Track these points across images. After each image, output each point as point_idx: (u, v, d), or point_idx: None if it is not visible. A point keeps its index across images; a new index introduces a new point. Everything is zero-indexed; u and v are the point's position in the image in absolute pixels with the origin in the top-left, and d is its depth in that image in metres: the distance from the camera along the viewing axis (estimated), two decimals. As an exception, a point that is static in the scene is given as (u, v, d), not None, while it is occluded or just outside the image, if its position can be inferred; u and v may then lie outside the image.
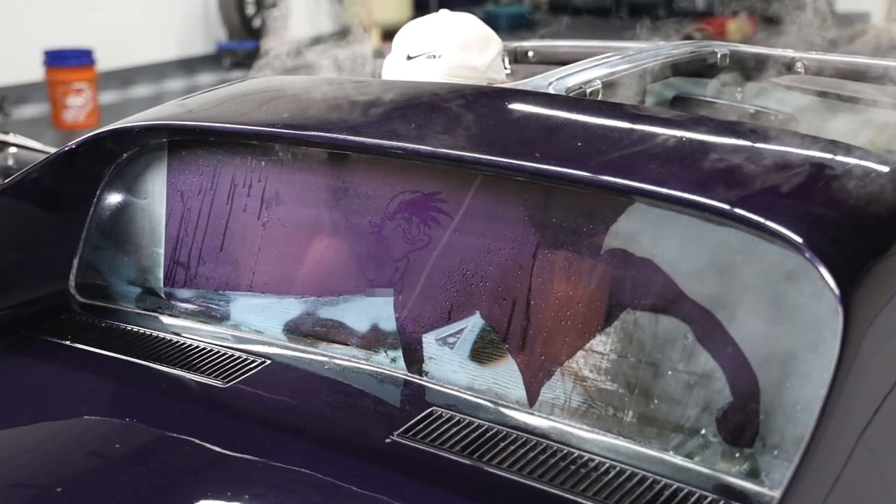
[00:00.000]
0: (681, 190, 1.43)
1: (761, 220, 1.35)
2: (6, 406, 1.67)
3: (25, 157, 3.09)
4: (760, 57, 2.65)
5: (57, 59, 7.83)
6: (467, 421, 1.52)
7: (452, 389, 1.60)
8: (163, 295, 1.89)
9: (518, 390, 1.56)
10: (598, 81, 2.09)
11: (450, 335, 1.62)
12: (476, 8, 13.55)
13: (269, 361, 1.71)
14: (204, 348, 1.76)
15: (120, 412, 1.65)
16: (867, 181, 1.56)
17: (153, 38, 9.76)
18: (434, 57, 2.17)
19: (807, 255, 1.30)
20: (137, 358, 1.73)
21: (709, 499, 1.35)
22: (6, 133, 3.34)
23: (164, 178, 1.91)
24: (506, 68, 2.31)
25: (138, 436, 1.54)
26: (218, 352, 1.74)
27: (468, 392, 1.59)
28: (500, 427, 1.50)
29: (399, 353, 1.66)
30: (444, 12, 2.29)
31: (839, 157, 1.56)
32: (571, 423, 1.50)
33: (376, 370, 1.67)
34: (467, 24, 2.25)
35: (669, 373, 1.44)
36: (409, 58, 2.20)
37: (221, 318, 1.83)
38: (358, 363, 1.68)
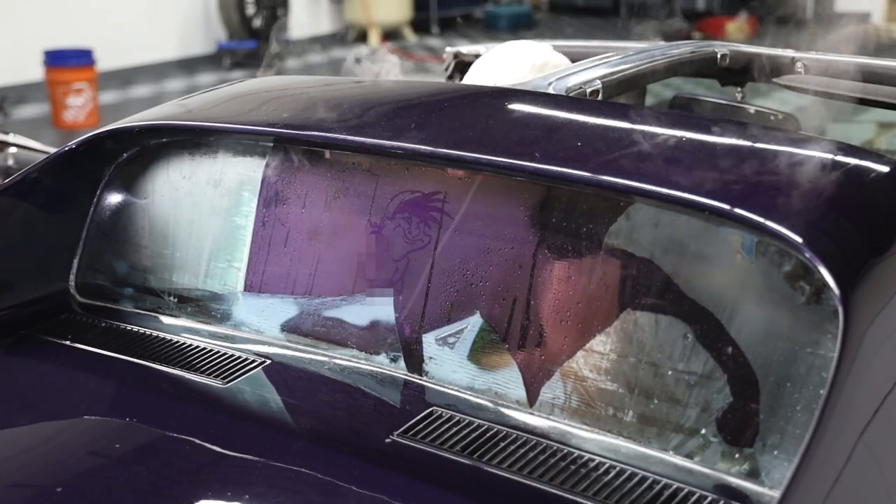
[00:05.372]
0: (681, 190, 1.43)
1: (761, 220, 1.35)
2: (6, 406, 1.67)
3: (25, 157, 3.09)
4: (760, 57, 2.65)
5: (57, 59, 7.82)
6: (467, 421, 1.52)
7: (452, 389, 1.60)
8: (163, 295, 1.89)
9: (518, 390, 1.56)
10: (598, 81, 2.09)
11: (450, 335, 1.62)
12: (476, 8, 13.56)
13: (269, 361, 1.71)
14: (204, 348, 1.76)
15: (120, 412, 1.65)
16: (867, 181, 1.56)
17: (153, 38, 9.76)
18: None
19: (807, 255, 1.30)
20: (137, 358, 1.73)
21: (709, 499, 1.35)
22: (6, 133, 3.34)
23: (165, 177, 1.91)
24: None
25: (138, 436, 1.54)
26: (218, 352, 1.74)
27: (468, 392, 1.59)
28: (500, 427, 1.50)
29: (399, 353, 1.66)
30: (519, 43, 2.32)
31: (839, 157, 1.56)
32: (571, 423, 1.50)
33: (376, 370, 1.67)
34: (539, 57, 2.26)
35: (669, 373, 1.44)
36: None
37: (221, 318, 1.83)
38: (358, 363, 1.68)
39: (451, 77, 2.85)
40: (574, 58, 2.34)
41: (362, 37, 11.76)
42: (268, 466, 1.44)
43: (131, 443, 1.52)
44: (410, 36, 12.29)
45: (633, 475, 1.39)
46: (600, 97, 2.08)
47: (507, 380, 1.57)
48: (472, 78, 2.30)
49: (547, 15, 14.47)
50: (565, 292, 1.53)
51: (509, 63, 2.24)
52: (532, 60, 2.21)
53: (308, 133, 1.73)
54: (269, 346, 1.76)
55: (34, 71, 8.12)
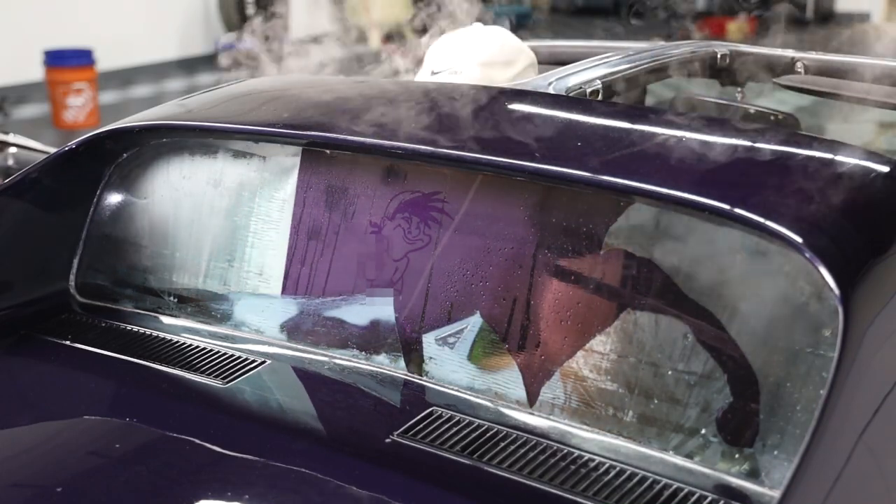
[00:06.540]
0: (681, 190, 1.43)
1: (761, 220, 1.35)
2: (6, 406, 1.67)
3: (25, 157, 3.09)
4: (760, 57, 2.65)
5: (57, 59, 7.82)
6: (467, 421, 1.52)
7: (452, 389, 1.60)
8: (163, 295, 1.89)
9: (518, 390, 1.56)
10: (598, 81, 2.09)
11: (450, 335, 1.62)
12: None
13: (269, 361, 1.71)
14: (204, 348, 1.76)
15: (120, 412, 1.65)
16: (867, 181, 1.56)
17: (153, 38, 9.76)
18: (455, 73, 2.11)
19: (807, 255, 1.30)
20: (137, 358, 1.73)
21: (709, 499, 1.35)
22: (6, 133, 3.35)
23: (165, 177, 1.91)
24: None
25: (138, 436, 1.54)
26: (218, 352, 1.74)
27: (468, 392, 1.59)
28: (500, 427, 1.50)
29: (399, 353, 1.66)
30: (474, 26, 2.22)
31: (839, 157, 1.56)
32: (571, 423, 1.50)
33: (376, 370, 1.67)
34: (492, 39, 2.17)
35: (669, 373, 1.44)
36: (433, 73, 2.16)
37: (221, 318, 1.83)
38: (358, 363, 1.68)
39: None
40: (574, 58, 2.34)
41: (362, 37, 11.76)
42: (268, 466, 1.44)
43: (131, 443, 1.52)
44: (411, 36, 12.29)
45: (633, 475, 1.39)
46: (600, 97, 2.08)
47: (507, 380, 1.57)
48: (429, 56, 2.21)
49: (547, 15, 14.47)
50: (565, 292, 1.53)
51: (462, 51, 2.15)
52: (481, 58, 2.12)
53: (308, 133, 1.73)
54: (269, 346, 1.76)
55: (34, 71, 8.12)
